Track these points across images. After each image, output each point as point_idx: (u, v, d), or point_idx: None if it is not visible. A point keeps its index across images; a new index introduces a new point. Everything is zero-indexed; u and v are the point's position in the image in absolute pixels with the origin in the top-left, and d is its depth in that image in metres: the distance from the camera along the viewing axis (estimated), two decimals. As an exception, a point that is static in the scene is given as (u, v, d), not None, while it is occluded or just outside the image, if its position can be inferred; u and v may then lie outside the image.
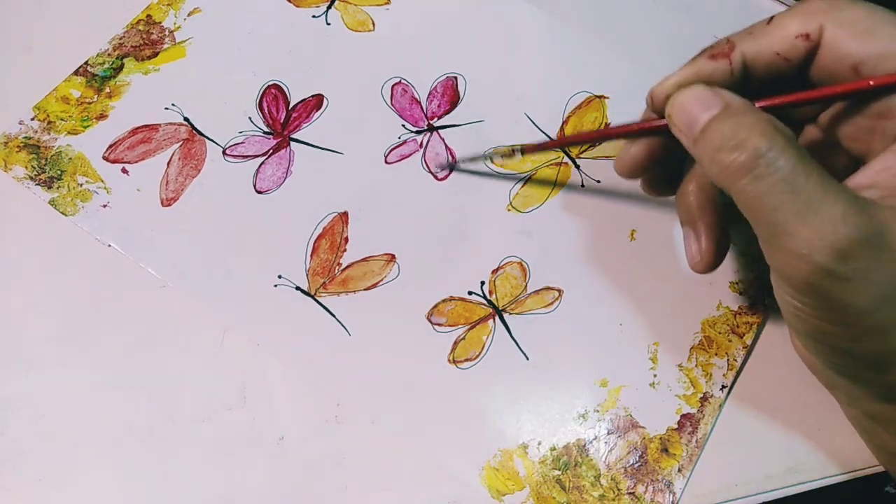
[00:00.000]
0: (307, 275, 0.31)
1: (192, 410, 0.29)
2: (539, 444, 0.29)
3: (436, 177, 0.33)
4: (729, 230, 0.27)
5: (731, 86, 0.23)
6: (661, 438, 0.29)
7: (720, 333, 0.31)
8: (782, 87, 0.24)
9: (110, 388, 0.29)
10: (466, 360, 0.30)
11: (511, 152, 0.31)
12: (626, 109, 0.35)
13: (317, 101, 0.35)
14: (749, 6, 0.40)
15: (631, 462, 0.29)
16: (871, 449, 0.27)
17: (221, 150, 0.33)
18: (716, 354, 0.31)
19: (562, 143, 0.33)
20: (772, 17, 0.24)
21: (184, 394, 0.29)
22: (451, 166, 0.33)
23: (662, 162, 0.27)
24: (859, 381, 0.24)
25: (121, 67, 0.35)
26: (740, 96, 0.22)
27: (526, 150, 0.31)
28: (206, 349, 0.30)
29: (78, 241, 0.31)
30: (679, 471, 0.29)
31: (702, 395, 0.30)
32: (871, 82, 0.22)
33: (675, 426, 0.29)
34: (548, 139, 0.33)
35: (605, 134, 0.31)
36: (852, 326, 0.21)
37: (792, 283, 0.21)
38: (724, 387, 0.30)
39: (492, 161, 0.33)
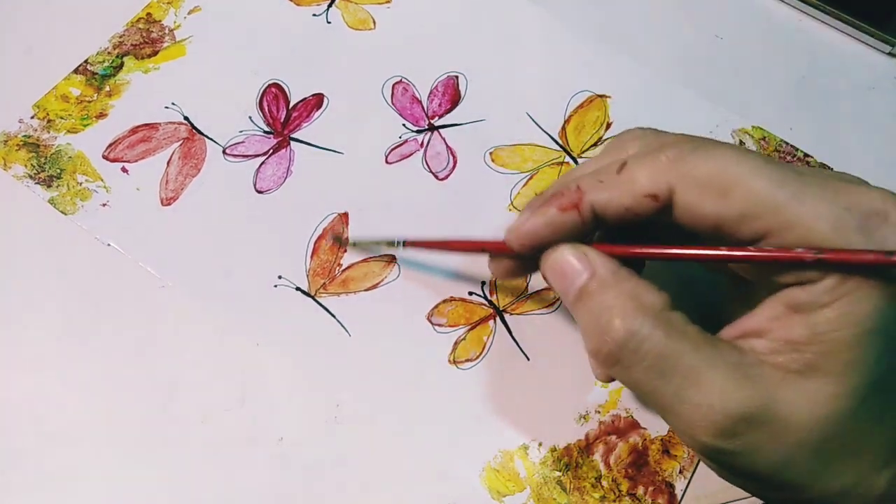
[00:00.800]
0: (307, 275, 0.31)
1: (192, 410, 0.29)
2: (540, 445, 0.29)
3: (437, 177, 0.33)
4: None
5: (586, 231, 0.22)
6: (661, 440, 0.29)
7: (721, 334, 0.31)
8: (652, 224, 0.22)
9: (110, 388, 0.29)
10: (467, 360, 0.30)
11: (396, 243, 0.29)
12: (628, 109, 0.35)
13: (317, 101, 0.35)
14: (749, 6, 0.39)
15: (632, 463, 0.29)
16: None
17: (221, 149, 0.33)
18: (717, 355, 0.31)
19: (440, 247, 0.29)
20: (623, 163, 0.21)
21: (184, 394, 0.29)
22: (344, 243, 0.32)
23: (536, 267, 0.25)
24: None
25: (121, 66, 0.35)
26: (607, 257, 0.21)
27: (407, 244, 0.29)
28: (206, 349, 0.30)
29: (77, 240, 0.31)
30: (680, 472, 0.29)
31: (703, 397, 0.30)
32: (770, 254, 0.19)
33: (676, 427, 0.29)
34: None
35: (472, 247, 0.27)
36: (761, 484, 0.21)
37: (694, 451, 0.22)
38: (725, 388, 0.30)
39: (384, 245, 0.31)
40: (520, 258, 0.24)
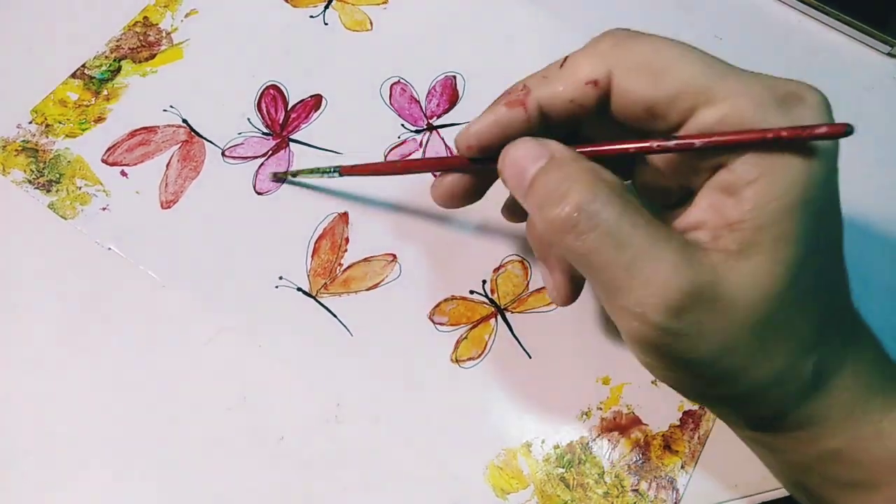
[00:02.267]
0: (308, 275, 0.31)
1: (192, 410, 0.29)
2: (542, 442, 0.29)
3: (436, 176, 0.33)
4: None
5: (532, 132, 0.23)
6: (663, 435, 0.29)
7: (721, 330, 0.31)
8: (591, 126, 0.23)
9: (110, 388, 0.29)
10: (469, 359, 0.30)
11: (331, 170, 0.30)
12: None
13: (315, 102, 0.35)
14: (749, 6, 0.40)
15: (634, 459, 0.29)
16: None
17: (220, 151, 0.33)
18: (717, 351, 0.31)
19: (373, 171, 0.30)
20: (566, 58, 0.23)
21: (184, 394, 0.29)
22: (283, 178, 0.32)
23: (479, 193, 0.26)
24: (724, 417, 0.24)
25: (118, 70, 0.35)
26: (568, 147, 0.22)
27: (343, 171, 0.29)
28: (206, 349, 0.30)
29: (76, 242, 0.31)
30: (682, 467, 0.29)
31: (704, 392, 0.30)
32: (697, 142, 0.20)
33: (678, 423, 0.30)
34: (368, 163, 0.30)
35: (414, 165, 0.29)
36: (699, 377, 0.21)
37: (633, 341, 0.21)
38: (725, 383, 0.30)
39: (318, 174, 0.31)
40: (467, 170, 0.25)
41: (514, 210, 0.28)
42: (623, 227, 0.19)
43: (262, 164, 0.33)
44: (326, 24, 0.37)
